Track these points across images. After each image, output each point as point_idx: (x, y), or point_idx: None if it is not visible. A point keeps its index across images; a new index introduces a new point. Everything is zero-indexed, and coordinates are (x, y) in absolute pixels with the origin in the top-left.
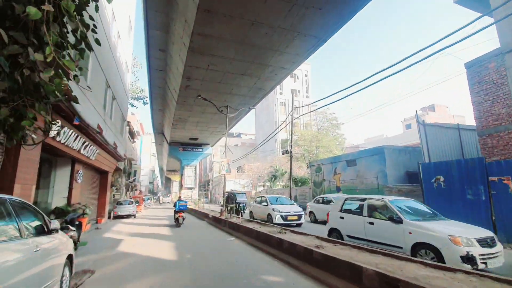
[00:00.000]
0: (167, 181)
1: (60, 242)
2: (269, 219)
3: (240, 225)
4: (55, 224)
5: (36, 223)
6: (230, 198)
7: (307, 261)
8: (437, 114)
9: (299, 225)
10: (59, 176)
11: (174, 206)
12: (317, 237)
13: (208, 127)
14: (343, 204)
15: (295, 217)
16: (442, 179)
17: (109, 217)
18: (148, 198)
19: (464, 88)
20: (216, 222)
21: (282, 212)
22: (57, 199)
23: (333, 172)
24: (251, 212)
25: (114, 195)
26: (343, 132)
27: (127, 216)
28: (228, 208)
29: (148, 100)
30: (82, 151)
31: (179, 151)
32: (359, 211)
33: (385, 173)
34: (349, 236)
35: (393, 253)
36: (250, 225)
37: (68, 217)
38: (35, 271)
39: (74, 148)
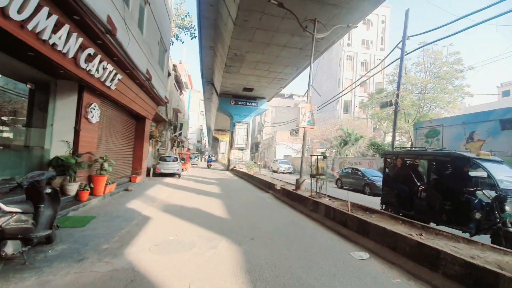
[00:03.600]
0: (214, 141)
1: None
2: None
3: (368, 221)
4: None
5: None
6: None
7: None
8: None
9: None
10: (61, 109)
11: (207, 161)
12: None
13: (269, 72)
14: None
15: None
16: None
17: (148, 174)
18: (196, 156)
19: None
20: (293, 200)
21: None
22: (58, 145)
23: (466, 138)
24: None
25: (158, 149)
26: (468, 82)
27: (171, 175)
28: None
29: (196, 33)
30: (84, 65)
31: (230, 105)
32: None
33: None
34: None
35: None
36: (392, 226)
37: (25, 181)
38: None
39: (59, 49)
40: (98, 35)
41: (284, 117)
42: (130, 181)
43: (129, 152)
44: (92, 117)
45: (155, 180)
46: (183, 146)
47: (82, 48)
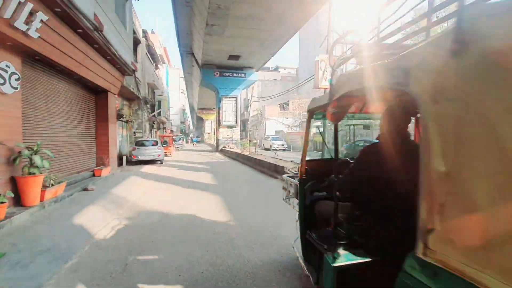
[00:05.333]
0: (199, 121)
1: None
2: None
3: None
4: None
5: None
6: None
7: None
8: None
9: None
10: None
11: (192, 141)
12: None
13: (260, 31)
14: None
15: None
16: None
17: (121, 164)
18: (180, 138)
19: None
20: None
21: None
22: None
23: None
24: None
25: (135, 133)
26: None
27: (151, 162)
28: None
29: None
30: None
31: (215, 77)
32: None
33: None
34: None
35: None
36: None
37: None
38: None
39: None
40: None
41: (270, 90)
42: (93, 175)
43: (90, 137)
44: (3, 83)
45: (129, 171)
46: (164, 128)
47: None
